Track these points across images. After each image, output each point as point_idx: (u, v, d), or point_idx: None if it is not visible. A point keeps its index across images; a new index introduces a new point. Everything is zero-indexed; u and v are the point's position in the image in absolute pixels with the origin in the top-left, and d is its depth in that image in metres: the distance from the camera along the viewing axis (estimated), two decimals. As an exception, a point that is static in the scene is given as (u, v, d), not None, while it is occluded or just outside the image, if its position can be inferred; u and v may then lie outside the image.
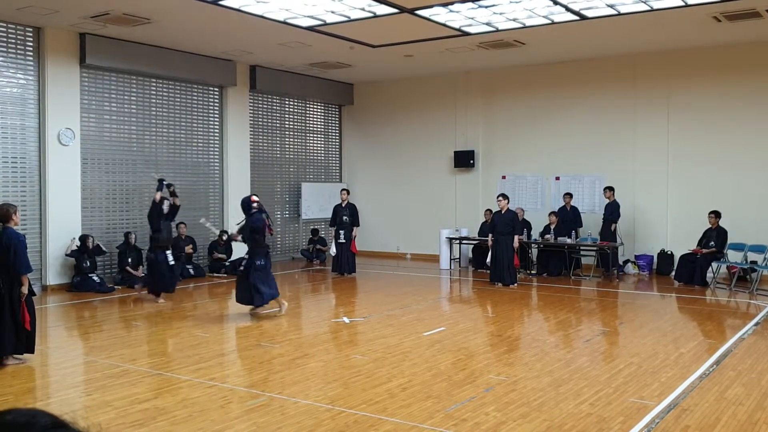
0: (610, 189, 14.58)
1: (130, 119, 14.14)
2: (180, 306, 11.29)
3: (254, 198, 10.40)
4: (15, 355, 7.35)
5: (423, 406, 5.98)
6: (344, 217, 14.90)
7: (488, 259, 13.74)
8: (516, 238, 13.20)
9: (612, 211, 14.46)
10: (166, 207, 11.38)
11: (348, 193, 15.35)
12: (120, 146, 13.98)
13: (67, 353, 8.32)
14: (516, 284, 13.13)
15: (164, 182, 11.51)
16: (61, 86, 12.67)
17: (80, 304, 11.33)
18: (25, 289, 7.24)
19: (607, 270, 14.24)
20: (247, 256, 10.39)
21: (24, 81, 12.41)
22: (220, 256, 14.95)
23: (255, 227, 10.16)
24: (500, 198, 13.34)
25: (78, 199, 13.01)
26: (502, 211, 13.25)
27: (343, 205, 15.00)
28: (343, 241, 14.81)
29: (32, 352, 7.50)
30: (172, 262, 11.45)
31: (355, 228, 14.96)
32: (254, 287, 10.05)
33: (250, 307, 10.33)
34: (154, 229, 11.34)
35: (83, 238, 12.59)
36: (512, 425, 5.51)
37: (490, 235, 13.56)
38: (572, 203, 15.02)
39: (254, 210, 10.22)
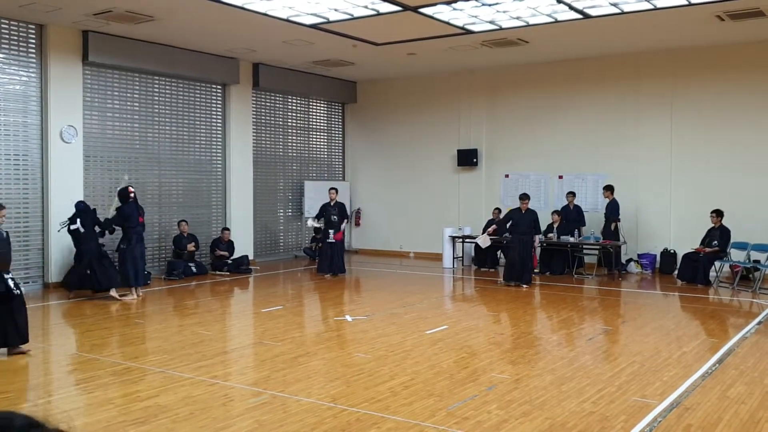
0: (609, 188, 14.66)
1: (132, 117, 14.14)
2: (182, 303, 11.30)
3: (130, 189, 11.59)
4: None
5: (425, 404, 5.97)
6: (333, 217, 14.49)
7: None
8: (536, 238, 13.16)
9: (611, 210, 14.51)
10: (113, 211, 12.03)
11: (336, 192, 14.76)
12: (122, 144, 13.99)
13: (68, 350, 8.33)
14: (530, 284, 12.99)
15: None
16: (64, 84, 12.67)
17: (82, 302, 11.33)
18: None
19: (610, 268, 14.22)
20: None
21: (26, 78, 12.41)
22: (222, 253, 14.95)
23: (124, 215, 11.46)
24: (524, 200, 13.09)
25: (80, 196, 12.96)
26: (523, 211, 13.04)
27: (332, 204, 14.59)
28: (333, 240, 14.44)
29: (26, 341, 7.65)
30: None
31: (344, 220, 14.74)
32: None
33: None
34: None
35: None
36: (514, 423, 5.50)
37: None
38: (575, 202, 15.00)
39: (130, 200, 11.48)
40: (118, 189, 11.88)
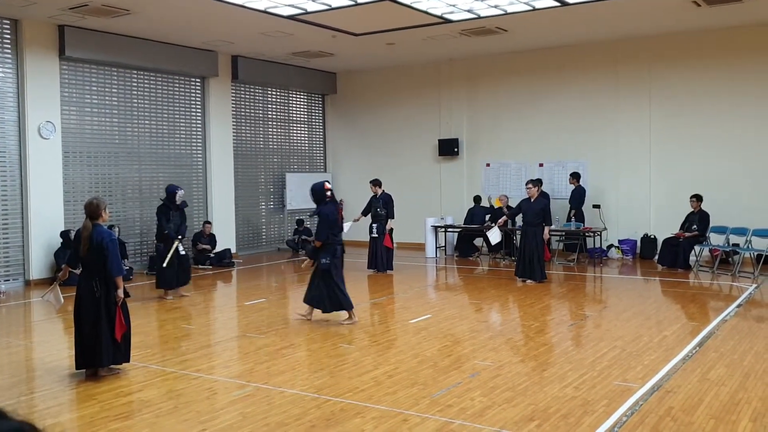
0: (575, 175, 14.97)
1: (111, 111, 14.03)
2: (165, 298, 11.25)
3: (327, 185, 9.08)
4: (111, 366, 6.74)
5: (409, 393, 6.00)
6: (378, 209, 13.54)
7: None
8: (546, 229, 11.96)
9: (574, 198, 14.88)
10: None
11: (376, 184, 13.73)
12: (102, 139, 13.89)
13: (52, 347, 8.28)
14: (545, 279, 12.01)
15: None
16: (41, 79, 12.55)
17: (64, 298, 11.22)
18: (121, 293, 6.62)
19: (591, 255, 14.32)
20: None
21: (2, 74, 12.27)
22: (204, 247, 14.90)
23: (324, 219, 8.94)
24: (529, 185, 12.15)
25: (60, 193, 12.91)
26: (532, 199, 12.04)
27: (377, 195, 13.65)
28: (376, 235, 13.44)
29: (128, 360, 6.87)
30: (183, 252, 11.00)
31: (389, 221, 13.48)
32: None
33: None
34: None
35: (65, 234, 12.50)
36: (497, 409, 5.54)
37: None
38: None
39: (328, 200, 9.02)
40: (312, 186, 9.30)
